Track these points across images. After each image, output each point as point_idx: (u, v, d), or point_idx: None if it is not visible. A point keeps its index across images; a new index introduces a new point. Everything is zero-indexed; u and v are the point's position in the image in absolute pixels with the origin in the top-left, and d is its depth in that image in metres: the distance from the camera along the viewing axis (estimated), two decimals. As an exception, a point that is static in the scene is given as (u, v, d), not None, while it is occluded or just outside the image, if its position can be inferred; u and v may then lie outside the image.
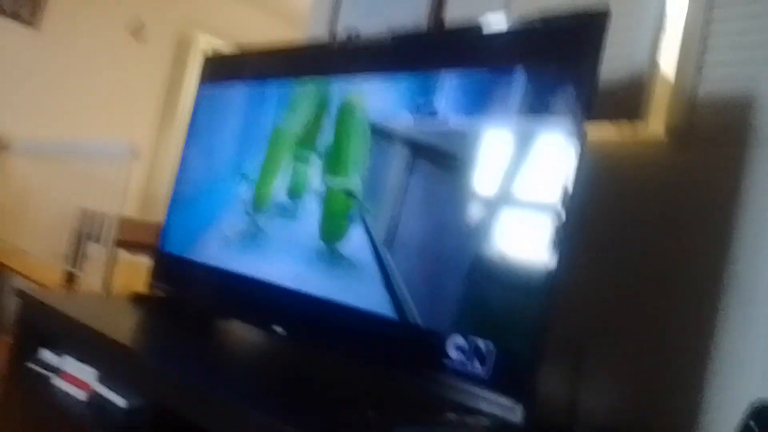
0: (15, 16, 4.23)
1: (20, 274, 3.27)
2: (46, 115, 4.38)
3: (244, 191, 1.47)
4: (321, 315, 1.22)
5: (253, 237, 1.41)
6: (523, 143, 1.01)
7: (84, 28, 4.58)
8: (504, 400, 0.91)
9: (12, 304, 3.12)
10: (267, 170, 1.44)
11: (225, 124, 1.60)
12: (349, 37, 1.48)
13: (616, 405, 1.21)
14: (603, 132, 1.29)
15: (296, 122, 1.41)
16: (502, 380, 0.93)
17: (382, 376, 1.15)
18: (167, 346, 1.31)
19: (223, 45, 5.16)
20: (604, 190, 1.27)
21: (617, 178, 1.28)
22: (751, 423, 0.86)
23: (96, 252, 3.11)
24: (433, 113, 1.15)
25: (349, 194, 1.23)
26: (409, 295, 1.08)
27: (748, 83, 1.13)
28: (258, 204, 1.43)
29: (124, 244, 3.06)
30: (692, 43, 1.20)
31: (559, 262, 0.91)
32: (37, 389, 1.40)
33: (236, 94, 1.60)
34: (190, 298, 1.59)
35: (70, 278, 3.20)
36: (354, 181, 1.24)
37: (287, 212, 1.36)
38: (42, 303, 1.46)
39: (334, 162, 1.30)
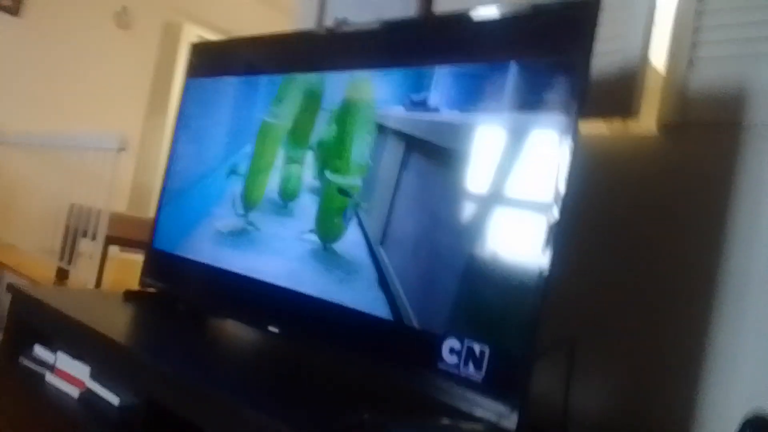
0: (-3, 4, 4.18)
1: (11, 269, 3.25)
2: (30, 105, 4.34)
3: (235, 187, 1.47)
4: (315, 315, 1.21)
5: (245, 234, 1.41)
6: (515, 137, 1.00)
7: (68, 16, 4.54)
8: (498, 405, 0.90)
9: (4, 300, 3.11)
10: (259, 165, 1.43)
11: (214, 117, 1.59)
12: (337, 25, 1.47)
13: (609, 405, 1.22)
14: (595, 128, 1.29)
15: (288, 115, 1.40)
16: (496, 384, 0.92)
17: (377, 376, 1.15)
18: (160, 344, 1.31)
19: (211, 35, 5.13)
20: (596, 185, 1.27)
21: (609, 174, 1.28)
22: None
23: (87, 248, 3.09)
24: (422, 107, 1.14)
25: (345, 192, 1.23)
26: (405, 295, 1.08)
27: (740, 77, 1.13)
28: (250, 201, 1.43)
29: (115, 240, 3.05)
30: (683, 37, 1.20)
31: (553, 261, 0.90)
32: (30, 385, 1.40)
33: (225, 85, 1.59)
34: (182, 295, 1.58)
35: (62, 274, 3.19)
36: (353, 178, 1.23)
37: (281, 209, 1.35)
38: (35, 299, 1.46)
39: (332, 158, 1.29)
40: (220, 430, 0.96)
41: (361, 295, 1.14)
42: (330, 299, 1.19)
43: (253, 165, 1.45)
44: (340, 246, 1.21)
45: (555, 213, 0.92)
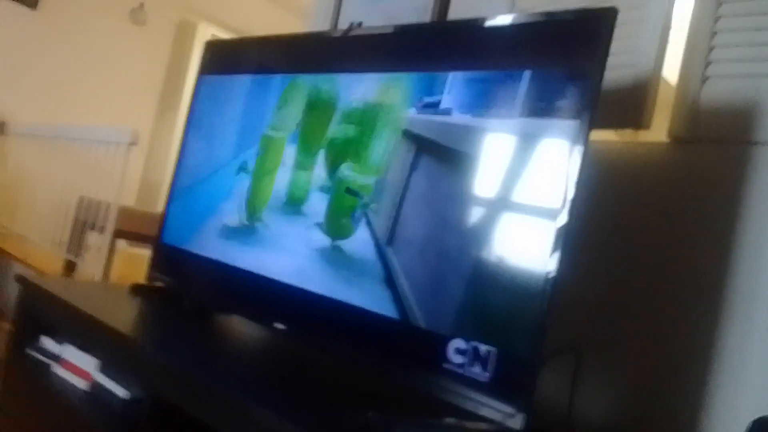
0: (13, -4, 4.22)
1: (19, 260, 3.27)
2: (43, 97, 4.38)
3: (245, 184, 1.48)
4: (322, 312, 1.22)
5: (253, 231, 1.42)
6: (526, 143, 1.01)
7: (84, 11, 4.58)
8: (504, 406, 0.91)
9: (12, 291, 3.13)
10: (269, 162, 1.44)
11: (226, 114, 1.60)
12: (350, 28, 1.48)
13: (614, 408, 1.22)
14: (607, 139, 1.30)
15: (299, 116, 1.41)
16: (502, 385, 0.93)
17: (383, 375, 1.15)
18: (167, 338, 1.32)
19: (225, 34, 5.16)
20: (606, 194, 1.28)
21: (619, 183, 1.28)
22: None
23: (95, 241, 3.11)
24: (435, 110, 1.15)
25: (354, 193, 1.24)
26: (412, 295, 1.08)
27: (752, 95, 1.14)
28: (255, 205, 1.44)
29: (123, 234, 3.07)
30: (697, 55, 1.21)
31: (561, 264, 0.91)
32: (38, 377, 1.41)
33: (237, 83, 1.60)
34: (189, 290, 1.59)
35: (70, 267, 3.21)
36: (368, 176, 1.24)
37: (290, 207, 1.36)
38: (43, 290, 1.47)
39: (346, 158, 1.29)
40: (225, 425, 0.97)
41: (368, 294, 1.15)
42: (337, 297, 1.20)
43: (261, 166, 1.46)
44: (348, 245, 1.22)
45: (563, 218, 0.93)
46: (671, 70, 1.26)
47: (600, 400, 1.23)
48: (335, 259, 1.23)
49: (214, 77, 1.68)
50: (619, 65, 1.26)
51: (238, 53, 1.69)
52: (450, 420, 0.95)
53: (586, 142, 0.93)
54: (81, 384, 1.34)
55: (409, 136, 1.18)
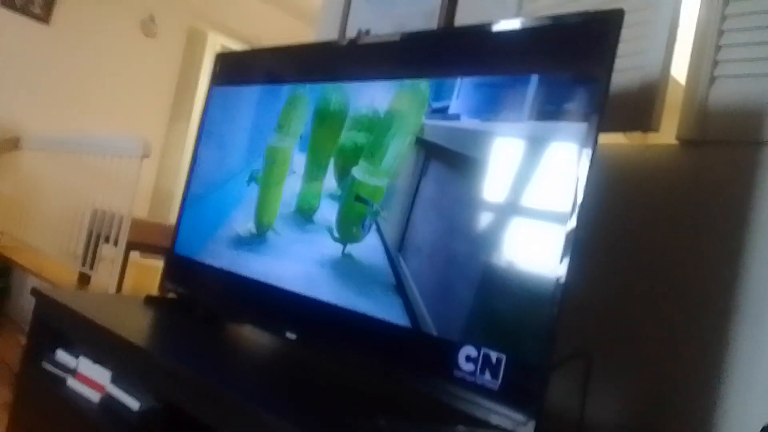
0: (26, 11, 4.28)
1: (34, 273, 3.30)
2: (57, 110, 4.43)
3: (255, 194, 1.48)
4: (333, 321, 1.22)
5: (264, 241, 1.42)
6: (535, 147, 1.01)
7: (95, 24, 4.63)
8: (514, 413, 0.91)
9: (27, 303, 3.15)
10: (276, 172, 1.45)
11: (237, 124, 1.61)
12: (358, 36, 1.48)
13: (626, 416, 1.21)
14: (616, 142, 1.29)
15: (304, 124, 1.41)
16: (513, 392, 0.93)
17: (393, 383, 1.15)
18: (180, 349, 1.32)
19: (235, 44, 5.19)
20: (615, 198, 1.27)
21: (628, 187, 1.28)
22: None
23: (109, 253, 3.14)
24: (444, 116, 1.15)
25: (363, 201, 1.24)
26: (422, 302, 1.08)
27: (761, 96, 1.13)
28: (268, 208, 1.44)
29: (136, 245, 3.09)
30: (705, 55, 1.20)
31: (570, 270, 0.91)
32: (52, 390, 1.42)
33: (248, 93, 1.61)
34: (202, 300, 1.60)
35: (84, 279, 3.23)
36: (379, 180, 1.23)
37: (300, 216, 1.36)
38: (58, 303, 1.48)
39: (356, 164, 1.30)
40: (238, 435, 0.97)
41: (378, 302, 1.15)
42: (347, 306, 1.20)
43: (268, 176, 1.46)
44: (358, 252, 1.22)
45: (572, 222, 0.92)
46: (680, 72, 1.25)
47: (611, 405, 1.22)
48: (346, 267, 1.23)
49: (224, 88, 1.69)
50: (627, 67, 1.25)
51: (247, 64, 1.70)
52: (460, 428, 0.95)
53: (595, 146, 0.93)
54: (95, 396, 1.34)
55: (418, 142, 1.18)
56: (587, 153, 0.93)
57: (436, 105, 1.17)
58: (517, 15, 1.51)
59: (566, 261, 0.91)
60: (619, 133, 1.33)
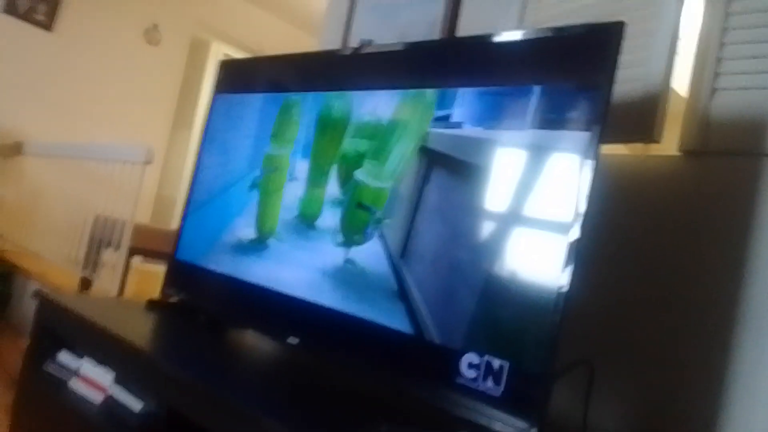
0: (30, 18, 4.30)
1: (36, 277, 3.30)
2: (60, 117, 4.44)
3: (256, 200, 1.49)
4: (335, 327, 1.23)
5: (266, 247, 1.43)
6: (538, 157, 1.02)
7: (98, 31, 4.65)
8: (517, 421, 0.91)
9: (28, 308, 3.16)
10: (275, 180, 1.46)
11: (240, 132, 1.62)
12: (361, 46, 1.49)
13: (628, 423, 1.22)
14: (618, 153, 1.30)
15: (299, 131, 1.42)
16: (515, 400, 0.93)
17: (396, 389, 1.15)
18: (182, 353, 1.33)
19: (238, 53, 5.22)
20: (617, 207, 1.28)
21: (630, 197, 1.29)
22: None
23: (111, 258, 3.14)
24: (447, 124, 1.16)
25: (366, 208, 1.25)
26: (425, 309, 1.09)
27: (762, 104, 1.14)
28: (269, 214, 1.45)
29: (138, 251, 3.09)
30: (706, 67, 1.21)
31: (574, 278, 0.91)
32: (54, 392, 1.42)
33: (250, 101, 1.62)
34: (203, 305, 1.61)
35: (85, 284, 3.23)
36: (382, 182, 1.24)
37: (303, 223, 1.37)
38: (60, 305, 1.48)
39: (363, 164, 1.31)
40: (240, 440, 0.98)
41: (381, 308, 1.15)
42: (350, 312, 1.20)
43: (268, 183, 1.47)
44: (360, 259, 1.22)
45: (575, 232, 0.93)
46: (681, 84, 1.26)
47: (614, 413, 1.22)
48: (348, 273, 1.24)
49: (228, 96, 1.70)
50: (629, 78, 1.26)
51: (251, 72, 1.72)
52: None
53: (597, 156, 0.94)
54: (97, 398, 1.35)
55: (422, 149, 1.19)
56: (590, 162, 0.94)
57: (441, 113, 1.18)
58: (518, 26, 1.52)
59: (569, 269, 0.92)
60: (621, 145, 1.34)
